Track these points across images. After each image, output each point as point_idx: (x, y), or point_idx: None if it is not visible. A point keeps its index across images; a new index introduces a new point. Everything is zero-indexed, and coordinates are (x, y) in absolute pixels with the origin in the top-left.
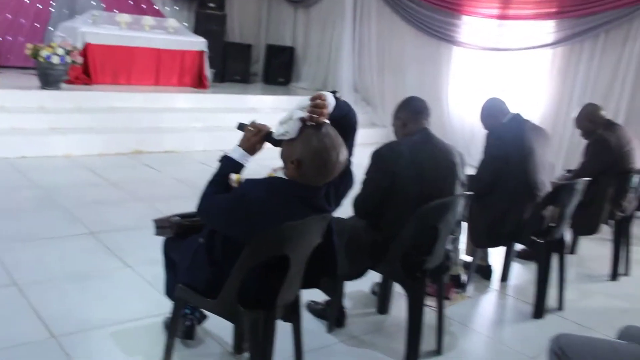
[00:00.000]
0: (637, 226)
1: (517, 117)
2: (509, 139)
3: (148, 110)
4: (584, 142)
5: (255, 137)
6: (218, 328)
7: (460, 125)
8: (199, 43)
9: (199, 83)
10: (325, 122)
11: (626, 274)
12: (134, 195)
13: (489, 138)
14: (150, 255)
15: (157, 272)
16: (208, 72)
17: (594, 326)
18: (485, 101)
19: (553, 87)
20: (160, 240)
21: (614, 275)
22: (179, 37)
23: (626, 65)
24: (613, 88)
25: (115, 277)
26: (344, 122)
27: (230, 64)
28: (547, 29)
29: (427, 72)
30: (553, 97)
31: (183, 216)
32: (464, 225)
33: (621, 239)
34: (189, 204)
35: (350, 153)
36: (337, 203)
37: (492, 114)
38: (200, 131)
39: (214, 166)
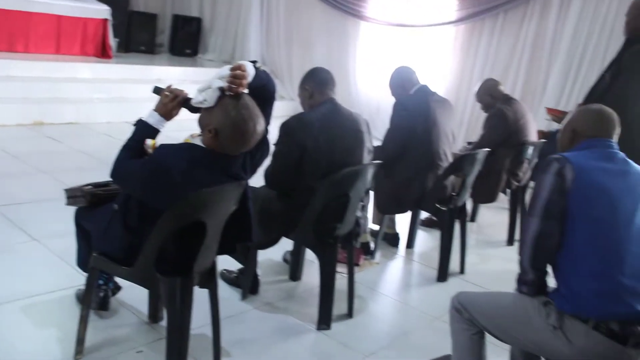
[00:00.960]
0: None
1: (424, 89)
2: (414, 111)
3: (49, 80)
4: (484, 115)
5: (172, 102)
6: (132, 299)
7: (367, 99)
8: (102, 11)
9: (102, 52)
10: (243, 93)
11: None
12: (37, 168)
13: (396, 108)
14: (56, 228)
15: (66, 245)
16: (112, 41)
17: (492, 287)
18: (395, 69)
19: (456, 63)
20: (67, 212)
21: (510, 241)
22: (80, 3)
23: (523, 44)
24: (511, 65)
25: (22, 251)
26: (263, 92)
27: (135, 34)
28: (451, 7)
29: (334, 46)
30: (456, 73)
31: (96, 185)
32: (372, 194)
33: (517, 207)
34: (94, 176)
35: (267, 123)
36: (252, 171)
37: (401, 83)
38: (104, 102)
39: (118, 138)
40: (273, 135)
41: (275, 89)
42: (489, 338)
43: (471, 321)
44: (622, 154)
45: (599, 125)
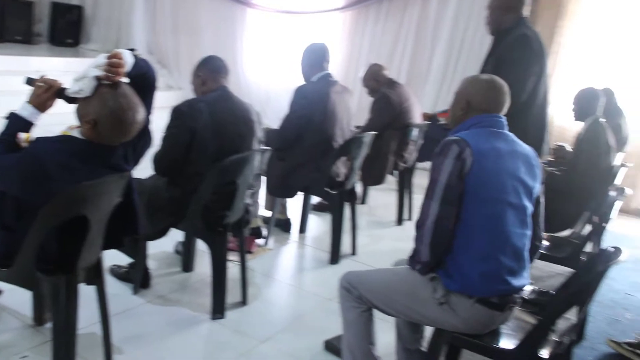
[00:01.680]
0: (418, 176)
1: (326, 78)
2: (314, 100)
3: None
4: (370, 100)
5: (46, 93)
6: (15, 302)
7: (257, 88)
8: None
9: None
10: (121, 82)
11: (409, 218)
12: None
13: (297, 95)
14: None
15: None
16: None
17: (383, 266)
18: (311, 45)
19: (344, 48)
20: None
21: (399, 221)
22: None
23: (406, 30)
24: (396, 50)
25: None
26: (143, 80)
27: (10, 23)
28: None
29: (222, 35)
30: (344, 58)
31: None
32: (264, 180)
33: (404, 188)
34: None
35: (148, 112)
36: (135, 162)
37: (311, 62)
38: None
39: None
40: (157, 125)
41: (155, 78)
42: (376, 314)
43: (360, 299)
44: (511, 134)
45: (492, 99)
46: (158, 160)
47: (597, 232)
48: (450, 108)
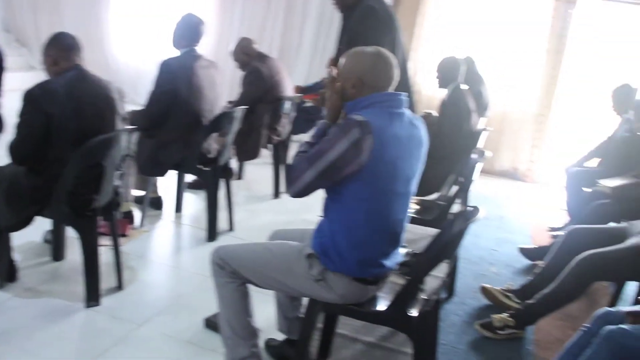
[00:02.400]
0: (294, 149)
1: (191, 52)
2: (180, 74)
3: None
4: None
5: None
6: None
7: (126, 66)
8: None
9: None
10: None
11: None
12: None
13: (161, 70)
14: None
15: None
16: None
17: (261, 240)
18: (186, 16)
19: (215, 24)
20: None
21: (276, 194)
22: None
23: (276, 4)
24: (266, 24)
25: None
26: None
27: None
28: None
29: (85, 12)
30: (215, 34)
31: None
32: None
33: (280, 161)
34: None
35: None
36: None
37: (183, 34)
38: None
39: None
40: (8, 109)
41: (2, 58)
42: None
43: (234, 274)
44: (408, 113)
45: (384, 73)
46: (14, 149)
47: (462, 194)
48: (336, 88)
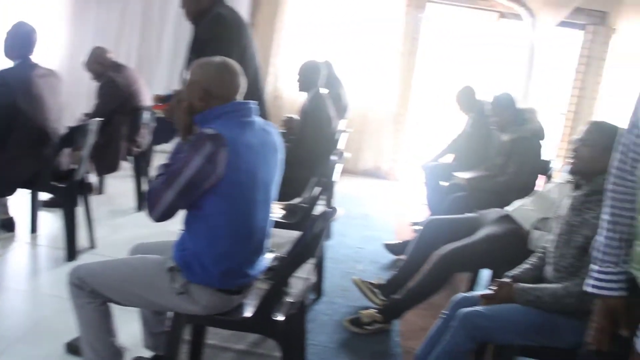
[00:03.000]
0: (157, 159)
1: (26, 62)
2: (16, 85)
3: None
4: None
5: None
6: None
7: None
8: None
9: None
10: None
11: None
12: None
13: None
14: None
15: None
16: None
17: (124, 255)
18: (17, 24)
19: (69, 33)
20: None
21: (140, 207)
22: None
23: (132, 12)
24: (123, 33)
25: None
26: None
27: None
28: None
29: None
30: (69, 43)
31: None
32: None
33: (141, 173)
34: None
35: None
36: None
37: (16, 44)
38: None
39: None
40: None
41: None
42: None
43: (93, 293)
44: (259, 120)
45: (230, 83)
46: None
47: (326, 195)
48: (181, 99)
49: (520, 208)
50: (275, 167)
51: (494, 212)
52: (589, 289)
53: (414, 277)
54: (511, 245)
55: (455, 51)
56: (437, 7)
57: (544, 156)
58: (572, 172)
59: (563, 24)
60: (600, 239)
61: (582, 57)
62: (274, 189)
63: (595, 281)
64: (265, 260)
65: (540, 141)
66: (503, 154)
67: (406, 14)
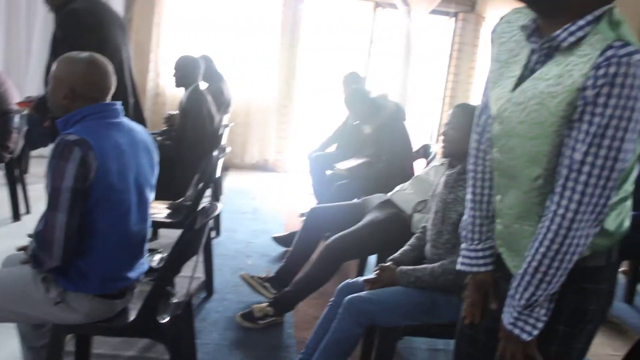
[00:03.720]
0: (36, 165)
1: None
2: None
3: None
4: None
5: None
6: None
7: None
8: None
9: None
10: None
11: (28, 212)
12: None
13: None
14: None
15: None
16: None
17: None
18: None
19: None
20: None
21: (16, 216)
22: None
23: None
24: None
25: None
26: None
27: None
28: None
29: None
30: None
31: None
32: None
33: (16, 181)
34: None
35: None
36: None
37: None
38: None
39: None
40: None
41: None
42: None
43: None
44: (126, 120)
45: (98, 84)
46: None
47: (212, 191)
48: (49, 94)
49: (399, 192)
50: (149, 167)
51: (376, 198)
52: (459, 267)
53: (303, 267)
54: (394, 229)
55: (336, 41)
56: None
57: (422, 139)
58: (444, 155)
59: (436, 12)
60: (465, 217)
61: (455, 43)
62: (150, 190)
63: (464, 258)
64: (146, 262)
65: (403, 122)
66: (371, 145)
67: (284, 5)
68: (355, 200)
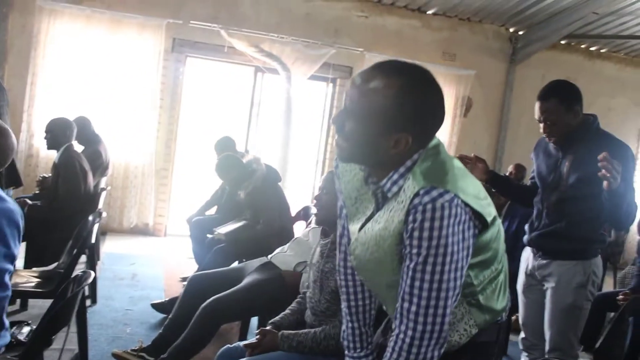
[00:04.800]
0: None
1: None
2: None
3: None
4: None
5: None
6: None
7: None
8: None
9: None
10: None
11: None
12: None
13: None
14: None
15: None
16: None
17: None
18: None
19: None
20: None
21: None
22: None
23: None
24: None
25: None
26: None
27: None
28: None
29: None
30: None
31: None
32: None
33: None
34: None
35: None
36: None
37: None
38: None
39: None
40: None
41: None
42: None
43: None
44: None
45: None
46: None
47: (87, 257)
48: None
49: (279, 254)
50: (13, 236)
51: (257, 261)
52: None
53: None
54: (274, 291)
55: (218, 104)
56: (197, 62)
57: (303, 202)
58: (317, 222)
59: (315, 77)
60: (344, 328)
61: (334, 107)
62: (14, 259)
63: None
64: (6, 336)
65: (277, 183)
66: (248, 208)
67: (164, 67)
68: (235, 264)
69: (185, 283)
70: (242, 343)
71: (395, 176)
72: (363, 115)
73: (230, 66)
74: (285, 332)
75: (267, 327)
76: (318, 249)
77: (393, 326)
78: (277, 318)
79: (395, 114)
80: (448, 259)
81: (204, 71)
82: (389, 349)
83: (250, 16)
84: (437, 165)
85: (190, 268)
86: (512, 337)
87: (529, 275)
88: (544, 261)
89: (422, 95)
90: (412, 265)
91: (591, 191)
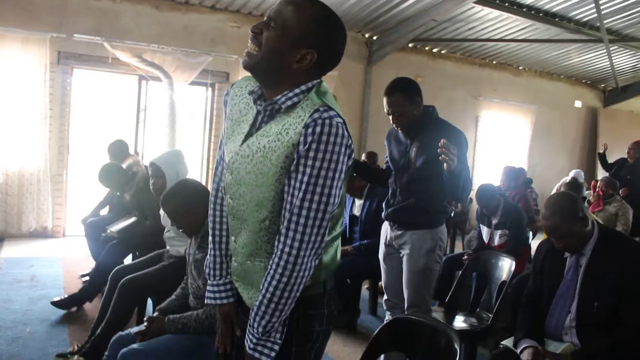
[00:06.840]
0: None
1: None
2: None
3: None
4: None
5: None
6: None
7: None
8: None
9: None
10: None
11: None
12: None
13: None
14: None
15: None
16: None
17: None
18: None
19: None
20: None
21: None
22: None
23: None
24: None
25: None
26: None
27: None
28: None
29: None
30: None
31: None
32: None
33: None
34: None
35: None
36: None
37: None
38: None
39: None
40: None
41: None
42: None
43: None
44: None
45: None
46: None
47: None
48: None
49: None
50: None
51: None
52: (207, 301)
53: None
54: (176, 272)
55: (106, 111)
56: (84, 72)
57: None
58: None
59: (195, 83)
60: (208, 257)
61: (215, 109)
62: None
63: (209, 293)
64: None
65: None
66: (134, 208)
67: (52, 79)
68: (157, 251)
69: (84, 279)
70: (133, 330)
71: (291, 94)
72: (280, 25)
73: (115, 75)
74: (171, 316)
75: (154, 314)
76: (193, 239)
77: (276, 242)
78: (163, 304)
79: (308, 30)
80: (337, 175)
81: (91, 81)
82: (272, 265)
83: (132, 28)
84: (330, 98)
85: (88, 265)
86: (379, 300)
87: (388, 245)
88: (399, 232)
89: (333, 24)
90: (304, 179)
91: (435, 171)
